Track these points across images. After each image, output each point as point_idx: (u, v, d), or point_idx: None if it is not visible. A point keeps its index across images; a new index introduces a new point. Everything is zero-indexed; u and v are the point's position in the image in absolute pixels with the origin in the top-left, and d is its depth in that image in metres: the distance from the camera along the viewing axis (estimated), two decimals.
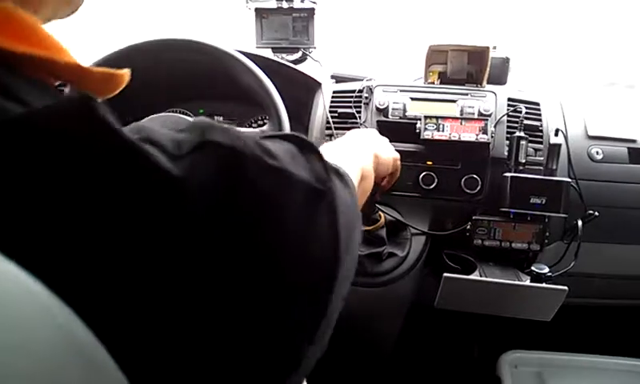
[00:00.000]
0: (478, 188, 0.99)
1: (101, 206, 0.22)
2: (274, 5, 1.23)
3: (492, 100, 1.04)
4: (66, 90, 0.64)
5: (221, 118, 1.24)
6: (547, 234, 0.96)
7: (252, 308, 0.27)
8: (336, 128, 1.04)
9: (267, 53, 1.23)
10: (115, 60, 0.87)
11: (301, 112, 1.12)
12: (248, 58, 0.88)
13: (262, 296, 0.28)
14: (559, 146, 0.96)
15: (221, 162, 0.27)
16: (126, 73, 0.32)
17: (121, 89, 0.33)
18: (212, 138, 0.27)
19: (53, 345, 0.19)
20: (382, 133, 0.74)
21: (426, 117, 0.99)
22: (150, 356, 0.24)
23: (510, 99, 1.05)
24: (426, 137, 0.98)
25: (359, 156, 0.57)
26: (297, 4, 1.22)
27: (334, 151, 0.53)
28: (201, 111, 1.22)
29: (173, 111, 1.21)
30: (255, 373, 0.28)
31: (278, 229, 0.29)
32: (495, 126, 1.00)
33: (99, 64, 0.87)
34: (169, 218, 0.24)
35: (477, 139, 0.96)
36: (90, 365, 0.20)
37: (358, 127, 1.04)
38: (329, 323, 0.33)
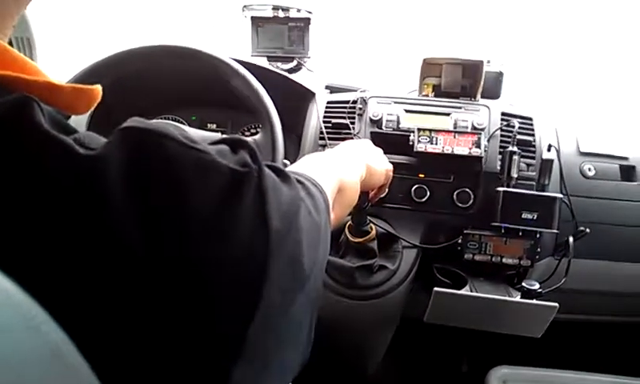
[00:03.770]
0: (470, 202, 0.99)
1: (23, 190, 0.24)
2: (270, 14, 1.23)
3: (485, 114, 1.05)
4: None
5: (214, 125, 1.23)
6: (538, 249, 0.96)
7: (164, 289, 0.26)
8: (329, 138, 1.04)
9: (262, 61, 1.23)
10: (107, 65, 0.87)
11: (294, 121, 1.11)
12: (242, 65, 0.87)
13: (170, 274, 0.26)
14: (551, 161, 0.97)
15: (135, 140, 0.28)
16: (96, 88, 0.33)
17: (95, 105, 0.33)
18: (127, 125, 0.28)
19: (31, 348, 0.19)
20: (375, 144, 0.73)
21: (419, 129, 0.99)
22: (109, 350, 0.25)
23: (503, 114, 1.05)
24: (420, 149, 0.98)
25: (340, 167, 0.55)
26: (293, 13, 1.23)
27: (307, 162, 0.52)
28: (193, 118, 1.22)
29: (165, 117, 1.20)
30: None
31: (193, 206, 0.27)
32: (488, 140, 1.00)
33: (94, 67, 0.86)
34: (85, 195, 0.25)
35: (470, 153, 0.96)
36: (65, 367, 0.20)
37: (352, 138, 1.03)
38: (262, 332, 0.30)
